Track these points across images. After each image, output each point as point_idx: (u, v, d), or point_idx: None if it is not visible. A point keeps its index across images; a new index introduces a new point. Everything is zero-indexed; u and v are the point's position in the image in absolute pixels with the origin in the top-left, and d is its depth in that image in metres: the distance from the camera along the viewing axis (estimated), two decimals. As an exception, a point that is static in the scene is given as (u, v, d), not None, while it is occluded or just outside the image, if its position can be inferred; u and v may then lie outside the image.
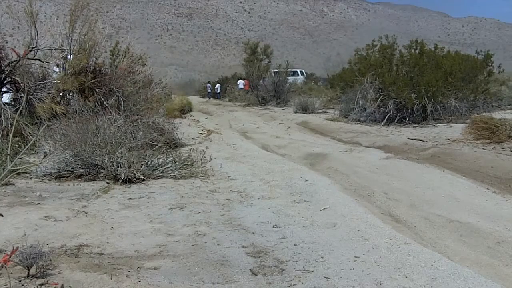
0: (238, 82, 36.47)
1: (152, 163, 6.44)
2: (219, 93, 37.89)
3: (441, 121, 12.53)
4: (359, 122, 13.67)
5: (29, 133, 7.64)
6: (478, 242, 3.99)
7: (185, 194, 5.42)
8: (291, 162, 7.61)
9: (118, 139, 6.71)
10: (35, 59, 9.19)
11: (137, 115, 8.89)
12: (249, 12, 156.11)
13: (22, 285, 2.84)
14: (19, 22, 10.26)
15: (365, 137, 11.06)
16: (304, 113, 17.54)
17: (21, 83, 8.69)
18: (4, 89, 9.01)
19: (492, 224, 4.37)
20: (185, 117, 17.81)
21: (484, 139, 8.83)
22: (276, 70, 27.64)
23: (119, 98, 9.29)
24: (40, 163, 6.07)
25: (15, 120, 6.75)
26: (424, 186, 5.82)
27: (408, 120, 12.81)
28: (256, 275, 3.11)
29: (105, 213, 4.60)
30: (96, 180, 6.05)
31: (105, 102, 9.02)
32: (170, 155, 7.06)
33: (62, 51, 9.56)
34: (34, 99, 8.60)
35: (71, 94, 9.44)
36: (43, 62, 9.25)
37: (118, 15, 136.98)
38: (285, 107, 21.59)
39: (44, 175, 6.12)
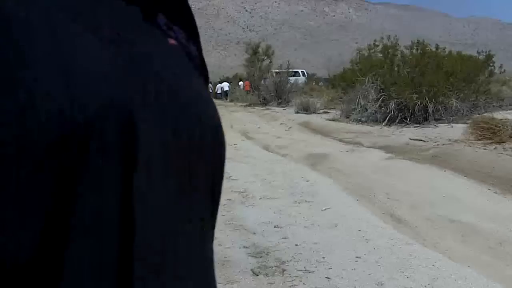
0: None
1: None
2: (220, 93, 37.84)
3: (442, 121, 12.52)
4: (360, 123, 13.67)
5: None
6: (479, 243, 3.99)
7: (187, 195, 5.42)
8: (293, 163, 7.62)
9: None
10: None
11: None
12: (250, 13, 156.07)
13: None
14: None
15: (367, 137, 11.05)
16: (305, 114, 17.54)
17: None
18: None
19: (493, 224, 4.37)
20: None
21: (486, 140, 8.82)
22: (277, 70, 27.64)
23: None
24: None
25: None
26: (426, 186, 5.82)
27: (409, 121, 12.81)
28: (257, 275, 3.12)
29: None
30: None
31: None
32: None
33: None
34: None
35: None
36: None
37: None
38: (286, 107, 21.60)
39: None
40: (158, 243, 0.34)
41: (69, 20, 0.32)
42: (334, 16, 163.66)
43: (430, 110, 12.68)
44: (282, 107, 22.25)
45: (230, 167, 6.98)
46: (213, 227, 0.44)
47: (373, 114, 13.60)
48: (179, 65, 0.40)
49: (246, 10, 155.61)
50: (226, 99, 35.07)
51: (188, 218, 0.37)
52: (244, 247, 3.66)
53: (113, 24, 0.35)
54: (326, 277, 3.05)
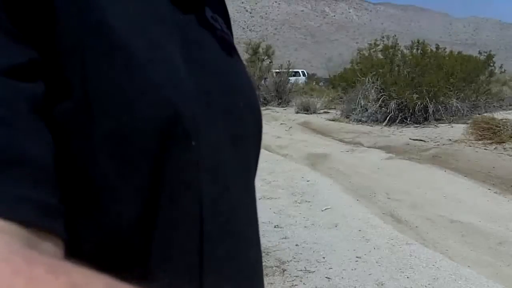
0: None
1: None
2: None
3: (442, 122, 12.51)
4: (360, 123, 13.66)
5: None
6: (479, 243, 3.99)
7: (187, 195, 5.42)
8: (293, 163, 7.62)
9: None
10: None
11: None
12: (250, 13, 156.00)
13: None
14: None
15: (367, 137, 11.05)
16: (305, 114, 17.53)
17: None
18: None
19: (493, 224, 4.37)
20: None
21: (486, 140, 8.82)
22: (277, 70, 27.62)
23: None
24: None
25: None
26: (426, 187, 5.82)
27: (409, 121, 12.80)
28: (257, 275, 3.12)
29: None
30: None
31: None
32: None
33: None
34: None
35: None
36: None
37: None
38: (287, 107, 21.58)
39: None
40: (225, 208, 0.45)
41: (165, 33, 0.43)
42: (334, 16, 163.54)
43: (430, 110, 12.67)
44: (282, 107, 22.23)
45: (230, 167, 6.97)
46: None
47: (373, 114, 13.59)
48: (232, 65, 0.53)
49: (246, 10, 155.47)
50: None
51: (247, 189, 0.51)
52: (244, 247, 3.66)
53: (184, 35, 0.46)
54: (326, 277, 3.06)
